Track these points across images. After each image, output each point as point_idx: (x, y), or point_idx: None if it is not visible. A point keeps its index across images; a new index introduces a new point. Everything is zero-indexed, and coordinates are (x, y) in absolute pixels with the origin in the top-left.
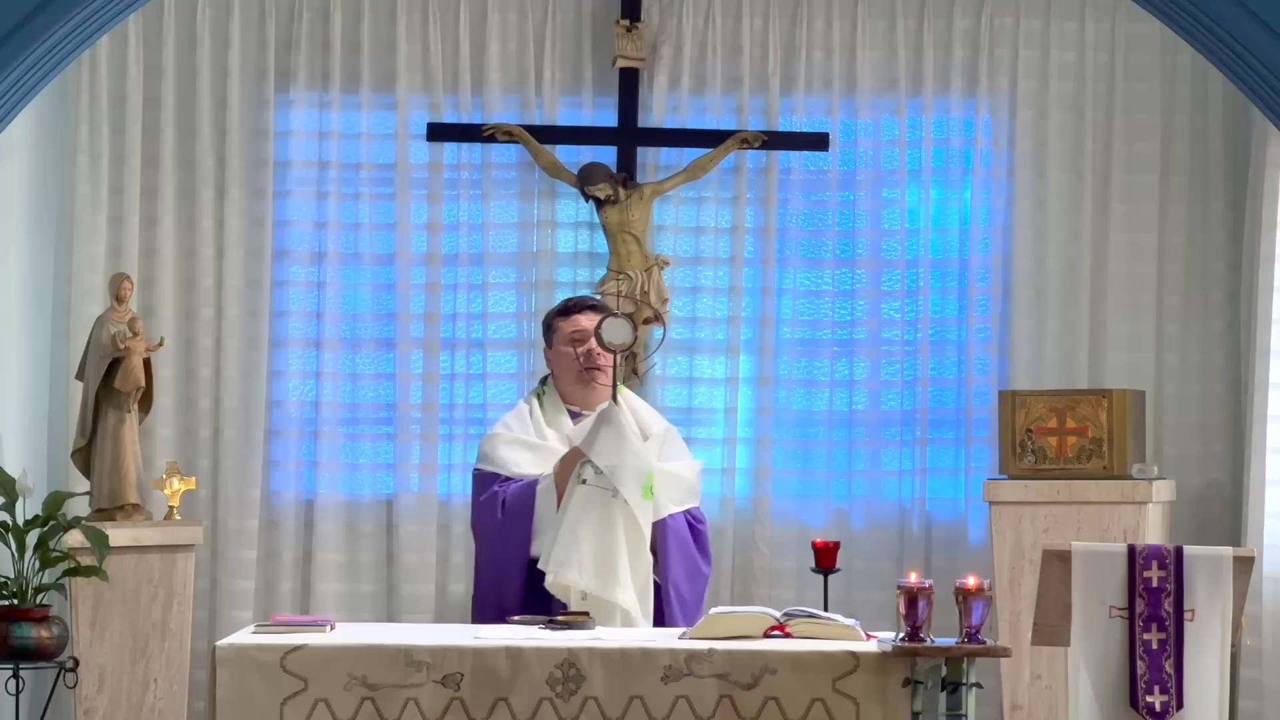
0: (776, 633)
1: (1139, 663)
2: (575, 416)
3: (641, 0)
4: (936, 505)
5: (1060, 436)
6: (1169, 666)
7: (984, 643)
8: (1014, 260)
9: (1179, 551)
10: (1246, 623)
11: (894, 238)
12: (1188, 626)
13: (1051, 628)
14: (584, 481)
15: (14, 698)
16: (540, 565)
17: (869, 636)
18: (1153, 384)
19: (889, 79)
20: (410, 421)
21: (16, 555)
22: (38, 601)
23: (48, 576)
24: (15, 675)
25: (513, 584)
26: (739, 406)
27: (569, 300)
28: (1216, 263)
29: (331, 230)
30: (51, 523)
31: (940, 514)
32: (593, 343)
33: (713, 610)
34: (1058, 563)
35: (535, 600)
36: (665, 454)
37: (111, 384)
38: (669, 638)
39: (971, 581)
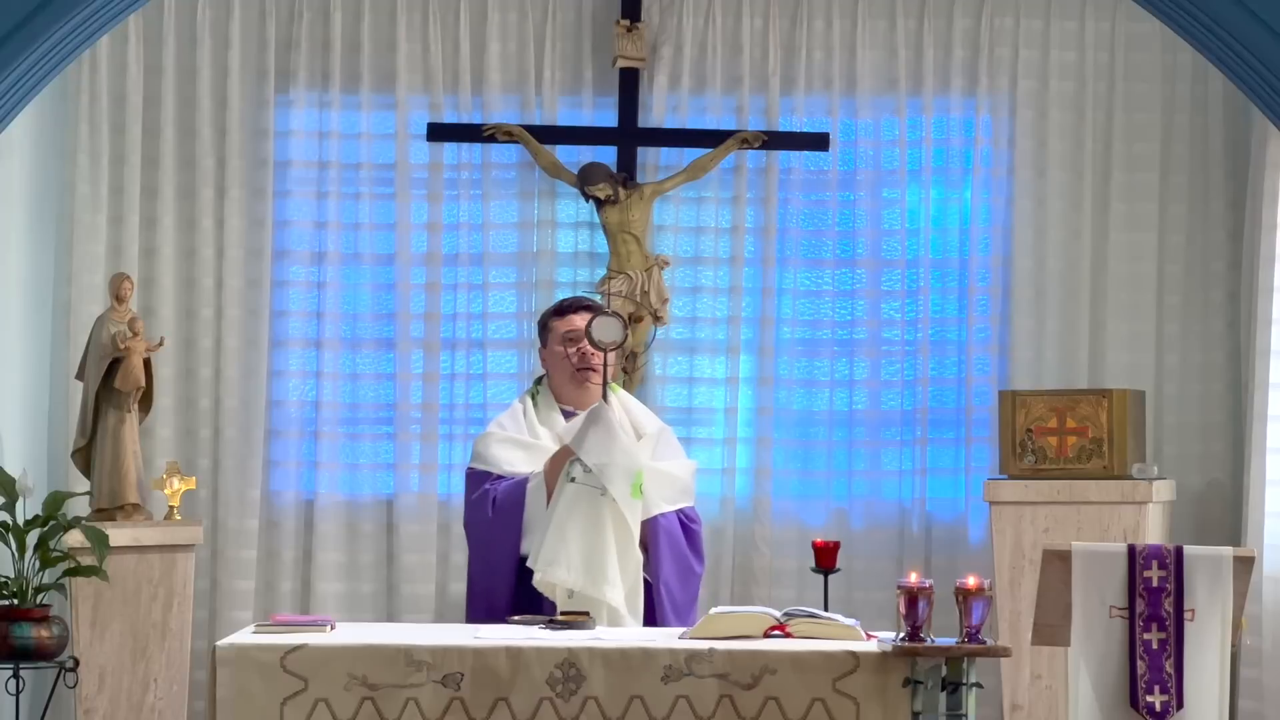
0: (777, 633)
1: (1139, 662)
2: (569, 416)
3: (641, 0)
4: (936, 505)
5: (1060, 436)
6: (1169, 666)
7: (984, 643)
8: (1014, 260)
9: (1179, 551)
10: (1246, 623)
11: (894, 238)
12: (1188, 626)
13: (1051, 628)
14: (573, 479)
15: (14, 698)
16: (529, 563)
17: (869, 636)
18: (1153, 384)
19: (889, 79)
20: (410, 421)
21: (16, 555)
22: (38, 601)
23: (48, 576)
24: (15, 675)
25: (503, 582)
26: (739, 406)
27: (564, 300)
28: (1216, 262)
29: (331, 230)
30: (52, 523)
31: (940, 514)
32: (586, 343)
33: (713, 610)
34: (1058, 562)
35: (526, 599)
36: (659, 453)
37: (111, 384)
38: (669, 638)
39: (971, 581)
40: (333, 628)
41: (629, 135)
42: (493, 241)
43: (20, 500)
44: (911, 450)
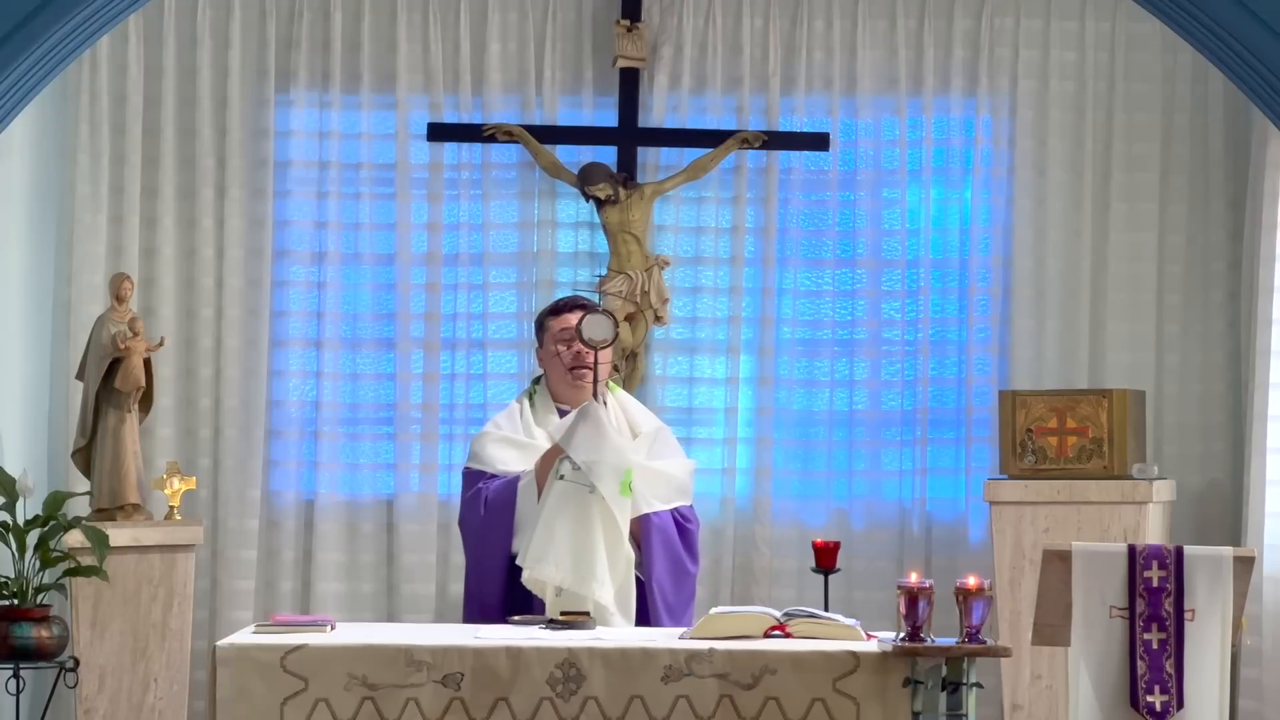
0: (777, 633)
1: (1139, 663)
2: (564, 415)
3: (642, 0)
4: (937, 505)
5: (1060, 436)
6: (1169, 666)
7: (984, 643)
8: (1014, 260)
9: (1179, 551)
10: (1246, 623)
11: (894, 238)
12: (1188, 626)
13: (1052, 628)
14: (562, 477)
15: (14, 698)
16: (518, 561)
17: (869, 636)
18: (1153, 384)
19: (889, 79)
20: (410, 421)
21: (17, 555)
22: (38, 601)
23: (48, 576)
24: (15, 675)
25: (495, 581)
26: (739, 406)
27: (560, 299)
28: (1216, 262)
29: (332, 230)
30: (52, 523)
31: (940, 514)
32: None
33: (713, 610)
34: (1058, 563)
35: (518, 598)
36: (656, 452)
37: (112, 384)
38: (669, 638)
39: (972, 581)
40: (333, 628)
41: (629, 135)
42: (493, 241)
43: (20, 500)
44: (912, 450)
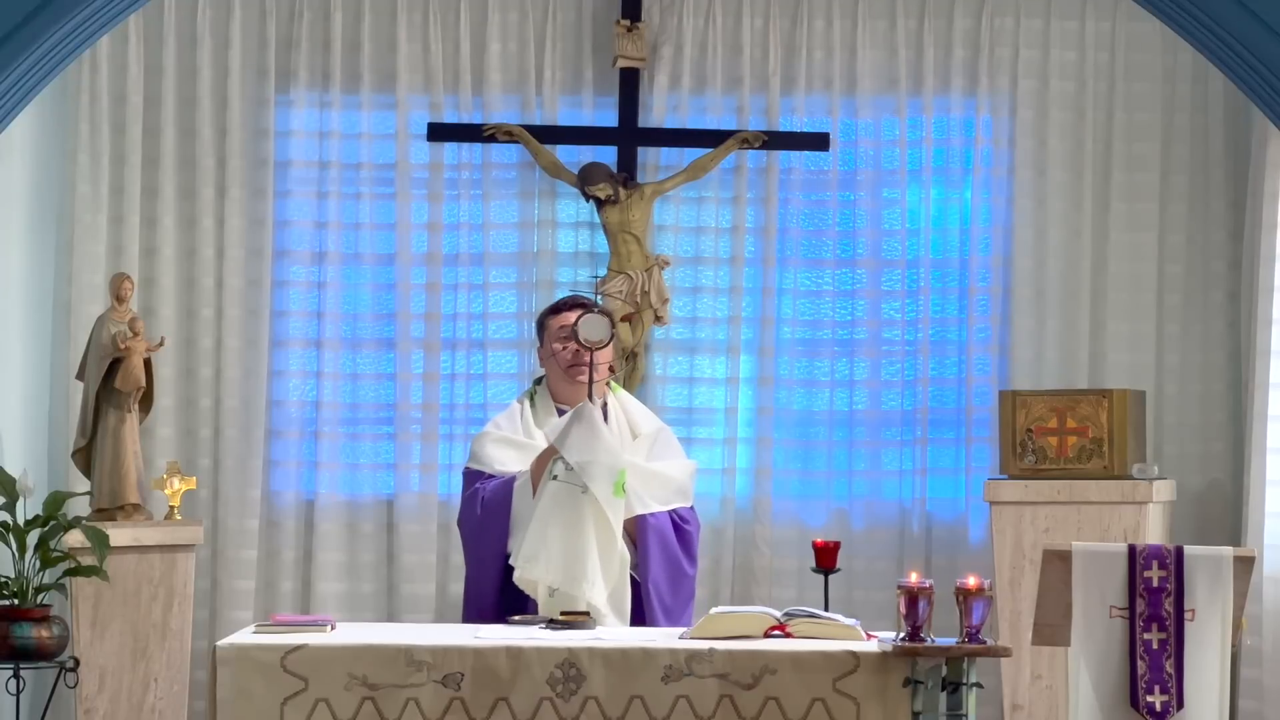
0: (777, 633)
1: (1139, 663)
2: (564, 415)
3: (642, 0)
4: (937, 505)
5: (1060, 436)
6: (1169, 666)
7: (984, 643)
8: (1014, 260)
9: (1179, 551)
10: (1246, 623)
11: (894, 238)
12: (1188, 626)
13: (1052, 628)
14: (555, 478)
15: (14, 698)
16: (511, 561)
17: (869, 636)
18: (1153, 384)
19: (889, 79)
20: (410, 421)
21: (17, 555)
22: (38, 601)
23: (48, 576)
24: (16, 675)
25: (491, 581)
26: (739, 406)
27: (561, 299)
28: (1217, 262)
29: (332, 230)
30: (52, 523)
31: (940, 514)
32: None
33: (713, 610)
34: (1058, 562)
35: (514, 598)
36: (656, 453)
37: (112, 384)
38: (669, 638)
39: (972, 581)
40: (333, 628)
41: (629, 135)
42: (493, 241)
43: (20, 500)
44: (912, 450)
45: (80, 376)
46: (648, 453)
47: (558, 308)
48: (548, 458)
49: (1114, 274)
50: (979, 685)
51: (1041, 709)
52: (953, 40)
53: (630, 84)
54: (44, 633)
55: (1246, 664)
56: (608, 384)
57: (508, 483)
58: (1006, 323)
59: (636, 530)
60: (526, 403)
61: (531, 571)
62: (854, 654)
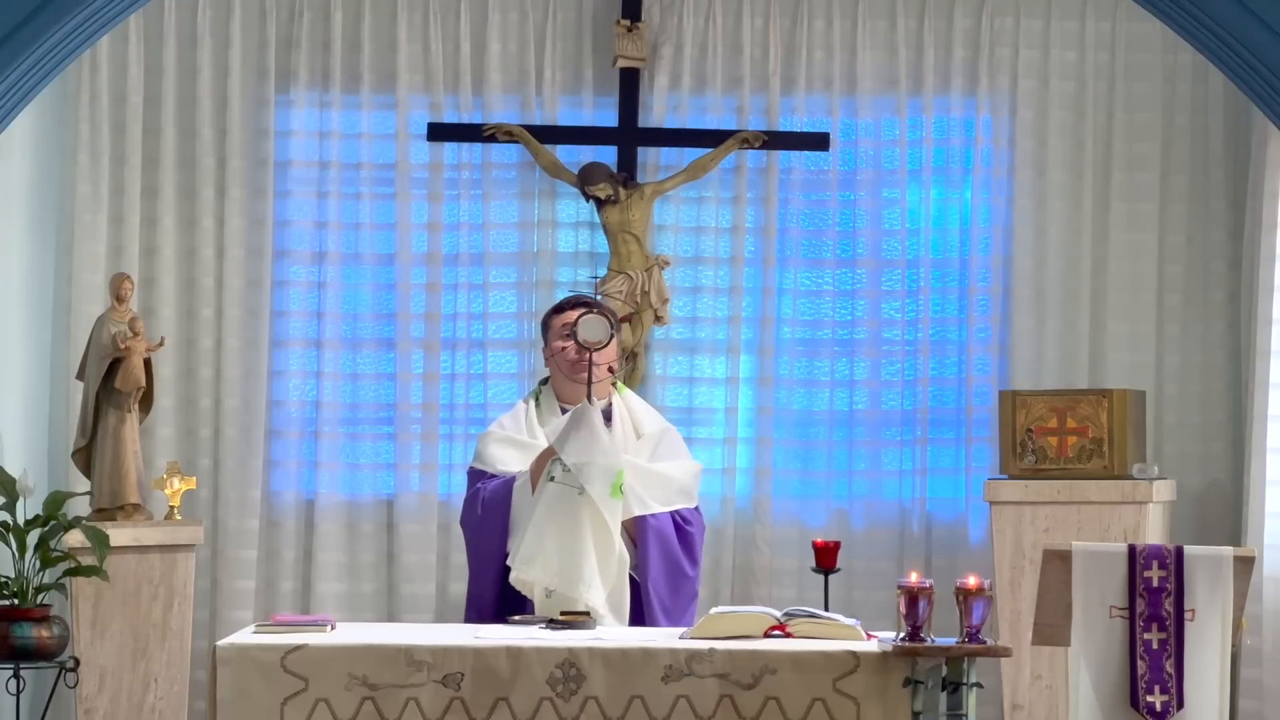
0: (777, 632)
1: (1139, 662)
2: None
3: (642, 0)
4: (937, 505)
5: (1060, 436)
6: (1169, 666)
7: (984, 642)
8: (1014, 260)
9: (1179, 551)
10: (1246, 623)
11: (894, 237)
12: (1188, 626)
13: (1052, 627)
14: (552, 479)
15: (14, 698)
16: (508, 561)
17: (869, 636)
18: (1153, 384)
19: (889, 79)
20: (410, 421)
21: (17, 555)
22: (38, 601)
23: (48, 576)
24: (16, 675)
25: (490, 581)
26: (739, 406)
27: (564, 298)
28: (1217, 262)
29: (332, 230)
30: (52, 522)
31: (940, 514)
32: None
33: (713, 610)
34: (1058, 562)
35: (513, 598)
36: (661, 454)
37: (112, 384)
38: (669, 638)
39: (972, 581)
40: (333, 628)
41: (629, 135)
42: (493, 241)
43: (20, 500)
44: (912, 450)
45: (80, 376)
46: (651, 453)
47: (561, 307)
48: (547, 458)
49: (1114, 274)
50: (979, 685)
51: (1041, 709)
52: (953, 40)
53: (630, 84)
54: (44, 633)
55: (1246, 664)
56: (614, 384)
57: (507, 483)
58: (1006, 323)
59: (636, 531)
60: (532, 402)
61: (528, 573)
62: (854, 654)
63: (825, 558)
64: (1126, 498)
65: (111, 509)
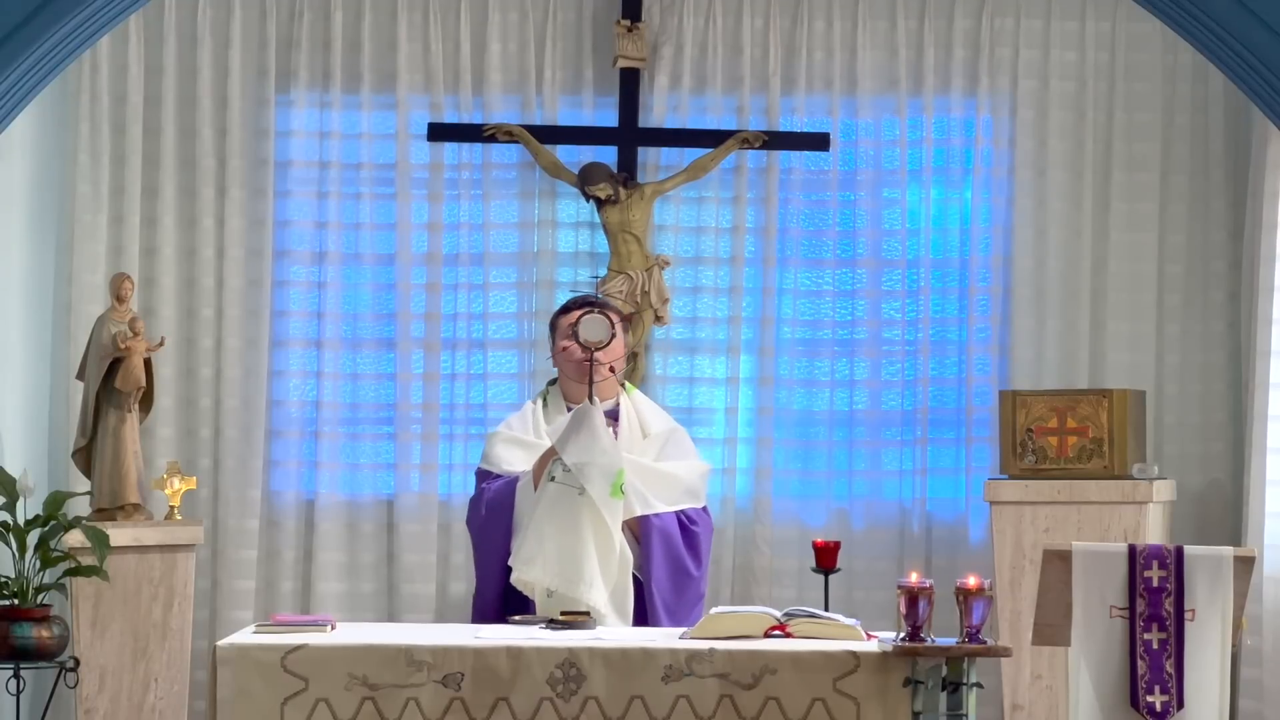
0: (777, 632)
1: (1139, 662)
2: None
3: (642, 0)
4: (937, 505)
5: (1061, 436)
6: (1169, 666)
7: (984, 642)
8: (1014, 260)
9: (1179, 551)
10: (1247, 622)
11: (894, 238)
12: (1188, 626)
13: (1052, 627)
14: (553, 479)
15: (14, 697)
16: (510, 561)
17: (870, 636)
18: (1153, 384)
19: (890, 79)
20: (411, 421)
21: (17, 555)
22: (38, 601)
23: (48, 576)
24: (16, 675)
25: (494, 580)
26: (739, 406)
27: (572, 298)
28: (1217, 262)
29: (332, 230)
30: (52, 522)
31: (941, 514)
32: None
33: (713, 610)
34: (1058, 562)
35: (518, 598)
36: (667, 453)
37: (112, 384)
38: (669, 638)
39: (972, 581)
40: (333, 628)
41: (629, 135)
42: (493, 241)
43: (21, 500)
44: (912, 450)
45: (80, 376)
46: (658, 453)
47: (567, 307)
48: (549, 458)
49: (1114, 274)
50: (979, 685)
51: (1041, 709)
52: (953, 40)
53: (630, 84)
54: (44, 633)
55: (1246, 664)
56: (622, 384)
57: (510, 483)
58: (1006, 323)
59: (640, 530)
60: (539, 402)
61: (529, 573)
62: (854, 654)
63: (825, 558)
64: (1126, 498)
65: (111, 509)
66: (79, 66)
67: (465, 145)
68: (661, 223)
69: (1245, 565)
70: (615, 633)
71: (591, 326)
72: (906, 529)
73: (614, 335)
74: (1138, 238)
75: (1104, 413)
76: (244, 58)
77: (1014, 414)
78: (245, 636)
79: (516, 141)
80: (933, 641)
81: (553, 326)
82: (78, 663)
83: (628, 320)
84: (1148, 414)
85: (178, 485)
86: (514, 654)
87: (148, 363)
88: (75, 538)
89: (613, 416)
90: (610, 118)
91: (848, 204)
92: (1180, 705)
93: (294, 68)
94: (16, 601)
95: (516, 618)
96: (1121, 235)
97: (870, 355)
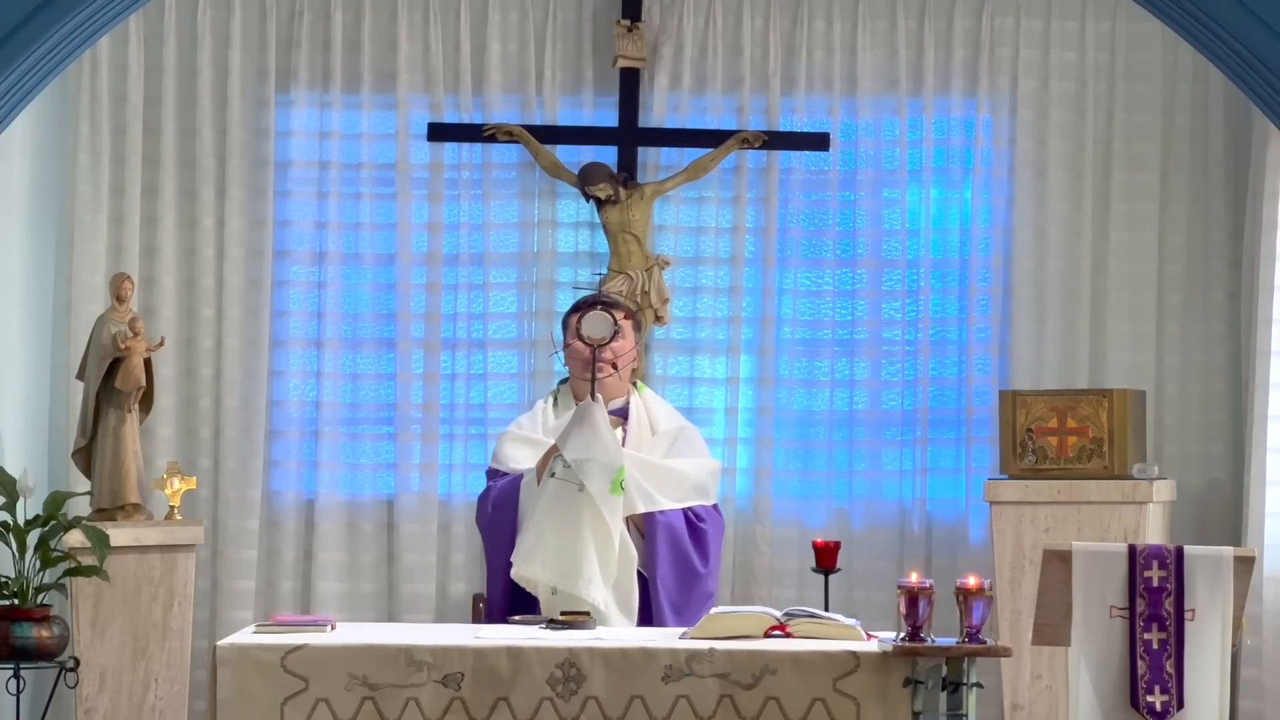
0: (777, 632)
1: (1139, 662)
2: None
3: (642, 0)
4: (937, 505)
5: (1061, 436)
6: (1169, 666)
7: (984, 642)
8: (1014, 260)
9: (1179, 551)
10: (1246, 622)
11: (894, 238)
12: (1188, 626)
13: (1052, 627)
14: (553, 475)
15: (15, 697)
16: (511, 558)
17: (870, 636)
18: (1153, 384)
19: (890, 79)
20: (411, 421)
21: (17, 555)
22: (38, 601)
23: (48, 576)
24: (16, 675)
25: (501, 577)
26: (739, 406)
27: (583, 297)
28: (1217, 262)
29: (332, 230)
30: (52, 522)
31: (941, 514)
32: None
33: (713, 610)
34: (1058, 562)
35: (525, 596)
36: (677, 451)
37: (112, 384)
38: (669, 638)
39: (972, 581)
40: (333, 628)
41: (629, 135)
42: (493, 241)
43: (21, 500)
44: (912, 450)
45: (80, 376)
46: (666, 450)
47: (578, 306)
48: (551, 455)
49: (1114, 274)
50: (979, 685)
51: (1041, 709)
52: (953, 40)
53: (630, 84)
54: (44, 633)
55: (1246, 664)
56: (633, 383)
57: (515, 480)
58: (1006, 323)
59: (645, 527)
60: (550, 401)
61: (528, 569)
62: (854, 654)
63: (825, 558)
64: (1126, 498)
65: (112, 509)
66: (79, 66)
67: (465, 145)
68: (661, 223)
69: (1245, 565)
70: (615, 633)
71: (593, 323)
72: (906, 529)
73: (616, 332)
74: (1138, 238)
75: (1104, 413)
76: (244, 58)
77: (1014, 414)
78: (245, 636)
79: (516, 141)
80: (933, 641)
81: (564, 325)
82: (78, 663)
83: (638, 319)
84: (1148, 414)
85: (178, 485)
86: (514, 654)
87: (148, 363)
88: (75, 538)
89: (623, 415)
90: (610, 118)
91: (848, 204)
92: (1180, 705)
93: (294, 68)
94: (16, 601)
95: (517, 618)
96: (1121, 235)
97: (870, 355)
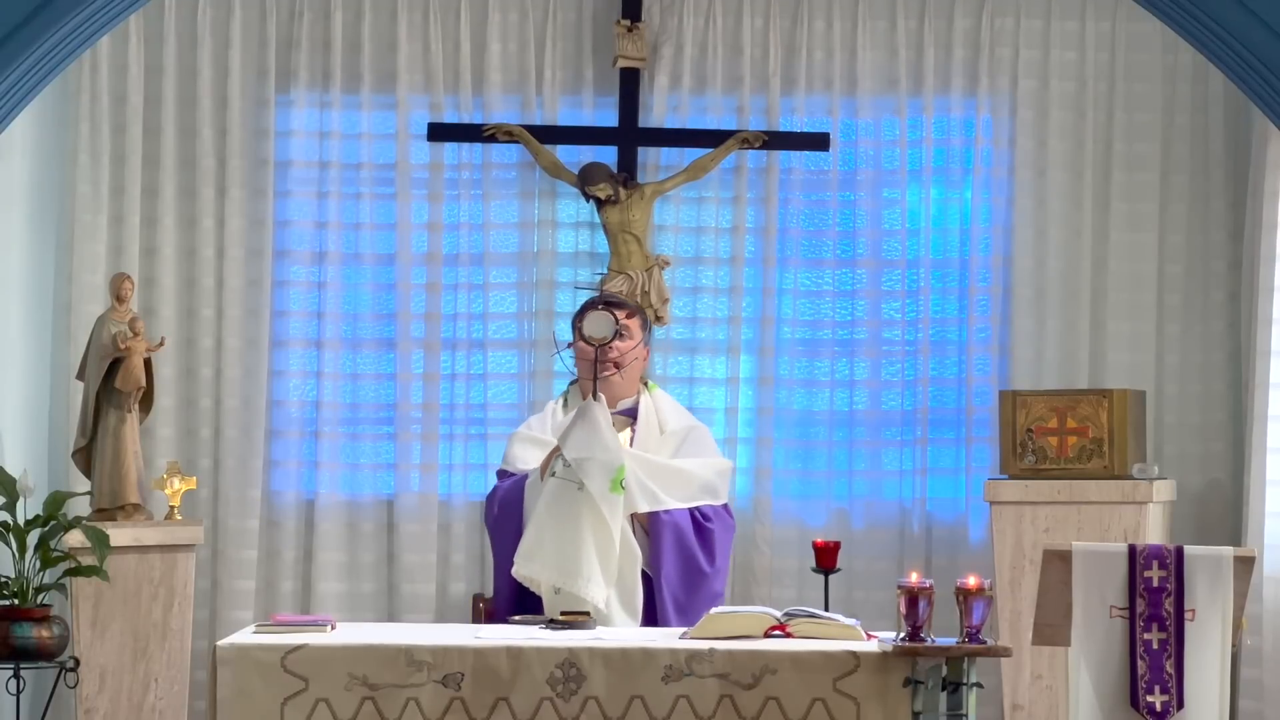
0: (777, 632)
1: (1139, 662)
2: None
3: (642, 0)
4: (937, 505)
5: (1061, 436)
6: (1169, 666)
7: (984, 642)
8: (1014, 260)
9: (1179, 551)
10: (1247, 622)
11: (894, 238)
12: (1188, 626)
13: (1052, 628)
14: (554, 474)
15: (14, 698)
16: (514, 557)
17: (870, 636)
18: (1153, 384)
19: (890, 79)
20: (411, 421)
21: (17, 555)
22: (38, 601)
23: (48, 576)
24: (16, 675)
25: (506, 578)
26: (739, 406)
27: (592, 298)
28: (1217, 262)
29: (332, 230)
30: (52, 522)
31: (941, 514)
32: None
33: (713, 610)
34: (1058, 562)
35: (530, 595)
36: (686, 451)
37: (112, 384)
38: (669, 638)
39: (972, 581)
40: (333, 628)
41: (629, 135)
42: (493, 241)
43: (21, 500)
44: (912, 450)
45: (80, 376)
46: (675, 450)
47: (586, 306)
48: (554, 455)
49: (1114, 274)
50: (979, 685)
51: (1041, 709)
52: (953, 40)
53: (630, 84)
54: (44, 633)
55: (1246, 664)
56: (644, 383)
57: (520, 480)
58: (1006, 323)
59: (650, 526)
60: (560, 401)
61: (528, 568)
62: (854, 654)
63: (825, 558)
64: (1126, 498)
65: (111, 509)
66: (79, 66)
67: (465, 145)
68: (661, 223)
69: (1245, 565)
70: (615, 633)
71: (595, 323)
72: (906, 529)
73: (618, 332)
74: (1138, 238)
75: (1104, 413)
76: (244, 58)
77: (1014, 414)
78: (245, 636)
79: (516, 141)
80: (933, 641)
81: (572, 327)
82: (78, 663)
83: (646, 318)
84: (1148, 414)
85: (178, 485)
86: (514, 654)
87: (148, 363)
88: (75, 538)
89: (632, 414)
90: (610, 118)
91: (848, 204)
92: (1180, 705)
93: (294, 68)
94: (16, 601)
95: (517, 617)
96: (1121, 235)
97: (870, 355)
